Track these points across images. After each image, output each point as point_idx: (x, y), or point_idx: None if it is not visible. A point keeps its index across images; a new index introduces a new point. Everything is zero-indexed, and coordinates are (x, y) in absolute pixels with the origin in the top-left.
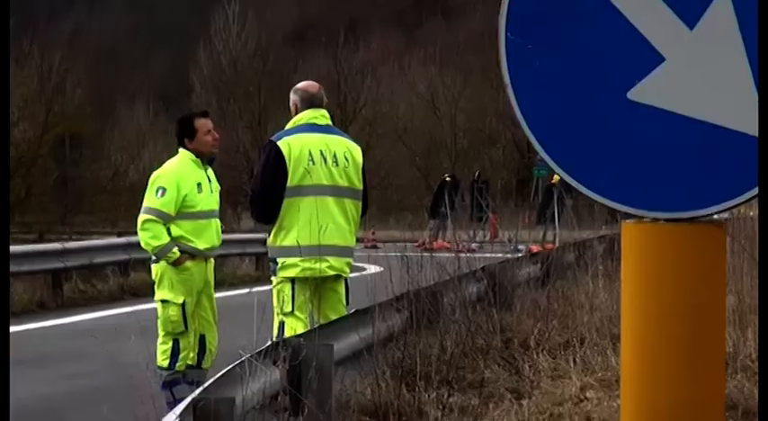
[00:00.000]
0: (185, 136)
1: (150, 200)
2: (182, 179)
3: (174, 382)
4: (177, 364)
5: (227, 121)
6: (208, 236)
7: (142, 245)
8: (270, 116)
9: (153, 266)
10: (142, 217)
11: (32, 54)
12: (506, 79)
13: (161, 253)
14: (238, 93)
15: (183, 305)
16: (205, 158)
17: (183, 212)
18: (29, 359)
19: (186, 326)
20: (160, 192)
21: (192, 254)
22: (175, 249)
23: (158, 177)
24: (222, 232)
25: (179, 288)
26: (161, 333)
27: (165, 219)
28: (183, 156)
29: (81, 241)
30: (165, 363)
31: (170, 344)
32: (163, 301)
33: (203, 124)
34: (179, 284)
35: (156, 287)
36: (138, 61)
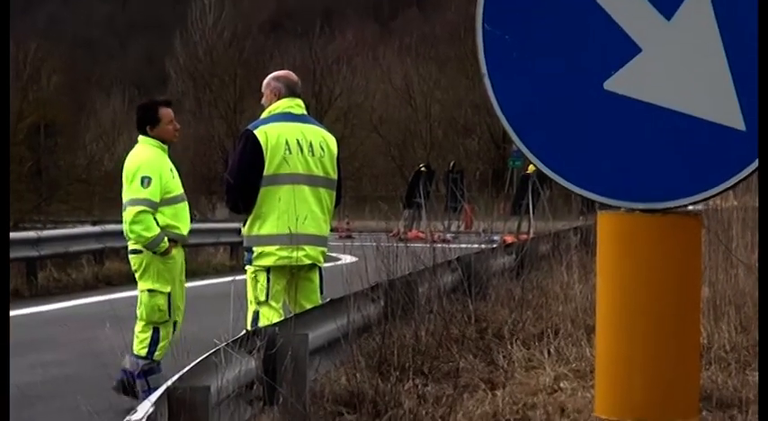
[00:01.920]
0: (148, 123)
1: (137, 190)
2: (161, 166)
3: (150, 371)
4: (156, 353)
5: (202, 111)
6: (185, 220)
7: (132, 237)
8: (245, 106)
9: (133, 256)
10: (134, 209)
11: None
12: (483, 69)
13: (153, 244)
14: (214, 82)
15: (169, 294)
16: (167, 146)
17: (164, 198)
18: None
19: (170, 315)
20: (146, 181)
21: (175, 240)
22: (166, 239)
23: (139, 167)
24: (197, 221)
25: (165, 276)
26: (141, 322)
27: (155, 208)
28: (149, 143)
29: (56, 230)
30: (144, 352)
31: (149, 332)
32: (150, 291)
33: (167, 113)
34: (165, 273)
35: (138, 277)
36: (113, 50)
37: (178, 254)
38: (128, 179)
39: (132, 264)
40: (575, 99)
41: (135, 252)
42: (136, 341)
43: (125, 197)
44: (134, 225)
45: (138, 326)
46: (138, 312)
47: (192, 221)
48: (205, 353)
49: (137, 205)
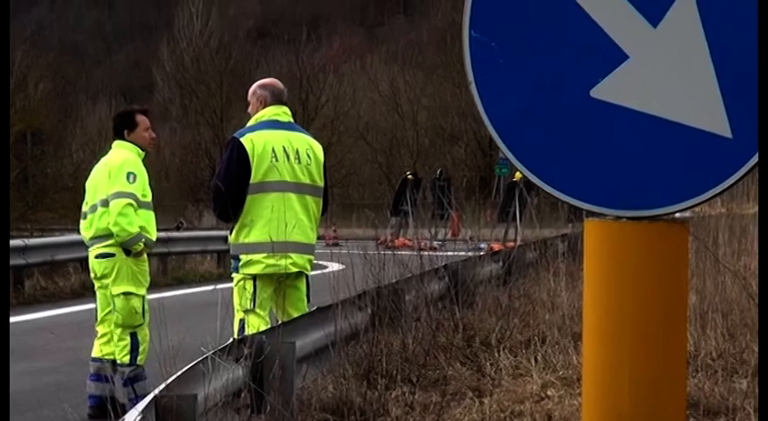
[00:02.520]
0: (126, 127)
1: (123, 184)
2: (142, 167)
3: (135, 378)
4: (138, 358)
5: (188, 118)
6: (154, 227)
7: (115, 231)
8: (232, 113)
9: (104, 261)
10: (121, 201)
11: None
12: (470, 77)
13: (132, 241)
14: (201, 89)
15: (143, 296)
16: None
17: (141, 201)
18: None
19: (144, 318)
20: (131, 177)
21: (147, 245)
22: (142, 239)
23: (124, 163)
24: (184, 230)
25: (139, 278)
26: (117, 329)
27: (137, 205)
28: (128, 147)
29: (42, 238)
30: (127, 359)
31: (128, 339)
32: (125, 294)
33: (143, 120)
34: (138, 275)
35: (111, 281)
36: (100, 57)
37: (146, 259)
38: (111, 174)
39: (101, 268)
40: (561, 106)
41: (105, 256)
42: (117, 349)
43: (108, 191)
44: (120, 217)
45: (115, 334)
46: (114, 318)
47: (179, 229)
48: (192, 361)
49: (124, 198)
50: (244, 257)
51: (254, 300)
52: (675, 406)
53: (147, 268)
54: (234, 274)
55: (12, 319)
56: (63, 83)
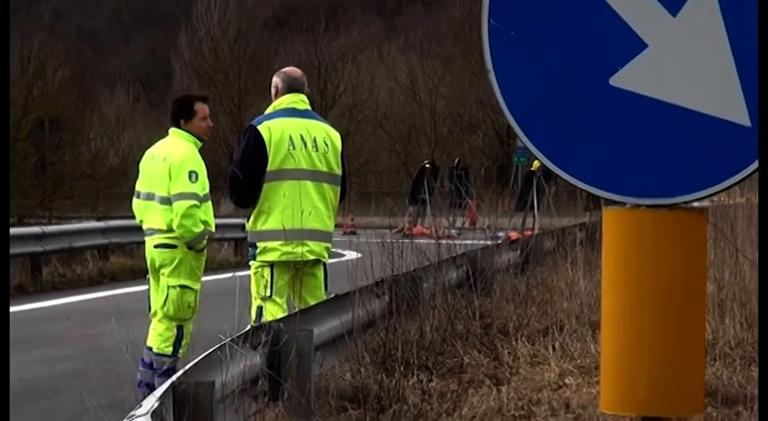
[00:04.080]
0: (182, 116)
1: (186, 184)
2: (201, 161)
3: (174, 370)
4: (180, 351)
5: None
6: (212, 216)
7: (180, 233)
8: (250, 102)
9: (165, 251)
10: (185, 203)
11: (13, 37)
12: (488, 65)
13: (197, 240)
14: (219, 78)
15: (197, 292)
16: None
17: (202, 197)
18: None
19: (193, 313)
20: (193, 176)
21: (209, 237)
22: (206, 236)
23: (184, 161)
24: None
25: (196, 273)
26: (166, 319)
27: (201, 203)
28: (183, 136)
29: (60, 225)
30: (170, 350)
31: (174, 330)
32: (182, 287)
33: (202, 109)
34: (197, 270)
35: (168, 272)
36: (118, 46)
37: (205, 253)
38: (171, 173)
39: (161, 259)
40: (580, 95)
41: (167, 246)
42: (158, 339)
43: (169, 189)
44: (185, 219)
45: (162, 322)
46: (164, 309)
47: None
48: (210, 348)
49: (188, 199)
50: (260, 245)
51: (271, 287)
52: (693, 394)
53: (203, 263)
54: (251, 262)
55: (29, 306)
56: (81, 71)
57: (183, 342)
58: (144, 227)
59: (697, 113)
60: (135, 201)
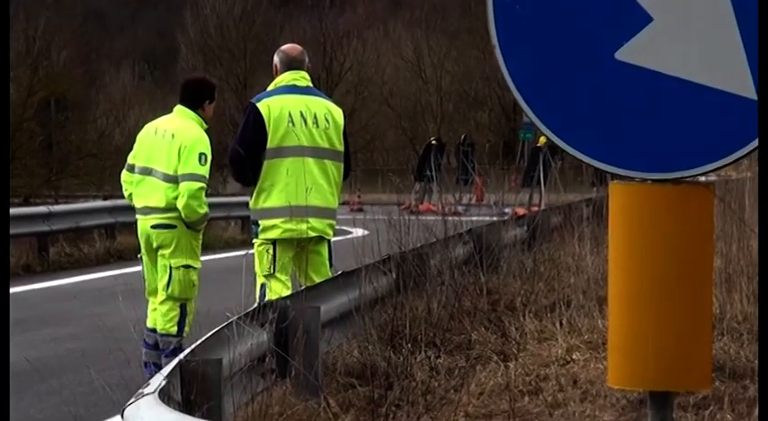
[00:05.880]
0: (207, 98)
1: (195, 166)
2: (209, 145)
3: (180, 349)
4: (185, 329)
5: None
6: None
7: (185, 213)
8: (255, 80)
9: (166, 231)
10: (195, 184)
11: (18, 17)
12: (494, 40)
13: (201, 221)
14: (224, 56)
15: (198, 270)
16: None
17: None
18: (15, 322)
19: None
20: (203, 158)
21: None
22: (208, 218)
23: (196, 142)
24: (208, 196)
25: (196, 252)
26: (169, 299)
27: (207, 185)
28: (194, 119)
29: (67, 204)
30: (175, 330)
31: (178, 309)
32: (185, 266)
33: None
34: (197, 249)
35: (169, 253)
36: (124, 24)
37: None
38: (182, 151)
39: (161, 239)
40: (586, 69)
41: (167, 227)
42: (163, 319)
43: (178, 169)
44: (193, 200)
45: (166, 304)
46: (168, 290)
47: None
48: (217, 326)
49: (197, 181)
50: (263, 222)
51: (273, 264)
52: (701, 368)
53: (201, 241)
54: (254, 240)
55: (36, 286)
56: (87, 50)
57: (187, 320)
58: (137, 204)
59: (703, 87)
60: (125, 173)
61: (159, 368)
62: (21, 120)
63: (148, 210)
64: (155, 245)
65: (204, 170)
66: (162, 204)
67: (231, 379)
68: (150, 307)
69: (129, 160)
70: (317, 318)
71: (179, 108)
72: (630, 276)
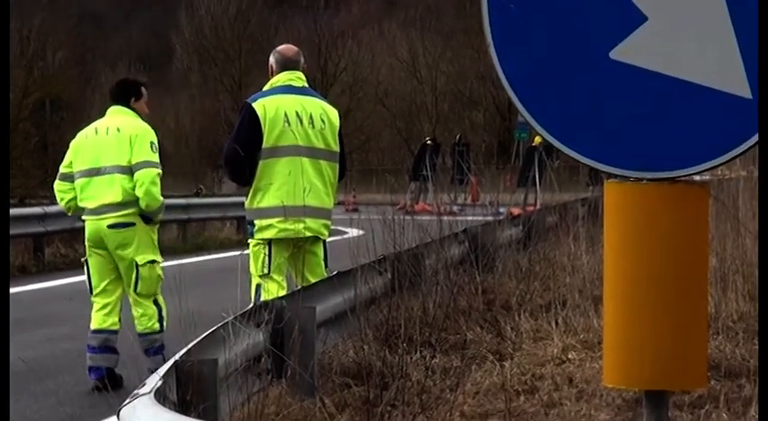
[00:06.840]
0: (133, 95)
1: (149, 154)
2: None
3: (163, 346)
4: (164, 323)
5: (207, 85)
6: None
7: (146, 201)
8: (251, 80)
9: (126, 230)
10: (153, 171)
11: (13, 17)
12: (489, 39)
13: (159, 210)
14: (219, 56)
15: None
16: None
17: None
18: (11, 323)
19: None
20: (153, 147)
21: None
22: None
23: (147, 132)
24: (203, 196)
25: (156, 245)
26: (144, 297)
27: None
28: (132, 115)
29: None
30: (158, 326)
31: (154, 306)
32: (151, 262)
33: (145, 93)
34: (155, 242)
35: (130, 250)
36: (119, 24)
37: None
38: (133, 141)
39: (120, 238)
40: (581, 68)
41: (125, 225)
42: (143, 320)
43: (130, 159)
44: (153, 186)
45: (141, 304)
46: (136, 290)
47: (198, 195)
48: (213, 326)
49: (154, 167)
50: (258, 222)
51: (269, 265)
52: (696, 367)
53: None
54: (250, 240)
55: (32, 287)
56: (82, 50)
57: (164, 314)
58: (88, 206)
59: (698, 86)
60: (60, 183)
61: (112, 372)
62: (16, 120)
63: (103, 210)
64: (112, 245)
65: (157, 158)
66: (119, 198)
67: (227, 379)
68: (95, 308)
69: (63, 169)
70: (312, 319)
71: (113, 108)
72: (626, 275)
